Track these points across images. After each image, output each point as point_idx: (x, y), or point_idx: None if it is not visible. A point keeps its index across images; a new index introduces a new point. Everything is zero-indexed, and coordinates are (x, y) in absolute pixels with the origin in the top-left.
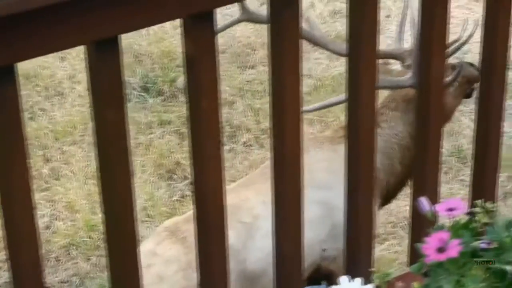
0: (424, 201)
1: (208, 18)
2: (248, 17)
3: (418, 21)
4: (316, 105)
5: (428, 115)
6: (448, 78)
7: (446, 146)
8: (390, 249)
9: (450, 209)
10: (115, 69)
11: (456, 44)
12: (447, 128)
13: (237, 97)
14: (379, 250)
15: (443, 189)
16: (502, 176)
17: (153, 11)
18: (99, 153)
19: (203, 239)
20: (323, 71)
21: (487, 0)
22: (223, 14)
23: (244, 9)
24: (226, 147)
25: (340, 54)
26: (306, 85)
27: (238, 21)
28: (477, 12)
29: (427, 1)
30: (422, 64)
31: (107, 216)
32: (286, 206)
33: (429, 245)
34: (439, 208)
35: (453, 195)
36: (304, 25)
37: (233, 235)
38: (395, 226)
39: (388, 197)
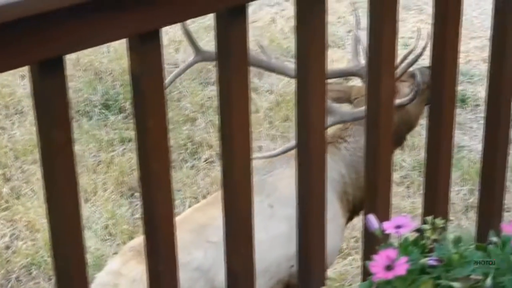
0: (372, 219)
1: (154, 36)
2: (203, 57)
3: (366, 41)
4: (273, 152)
5: (377, 137)
6: (408, 97)
7: (408, 160)
8: (353, 264)
9: (398, 227)
10: (59, 89)
11: (412, 57)
12: (408, 142)
13: (198, 114)
14: (343, 265)
15: (406, 203)
16: (464, 190)
17: (99, 31)
18: (44, 175)
19: (153, 260)
20: (284, 86)
21: (435, 10)
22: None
23: (198, 50)
24: (188, 164)
25: (289, 76)
26: (268, 101)
27: (194, 63)
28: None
29: (374, 20)
30: (371, 85)
31: (54, 243)
32: (237, 224)
33: (377, 263)
34: (387, 226)
35: (416, 209)
36: (251, 51)
37: (201, 255)
38: (358, 240)
39: (355, 211)
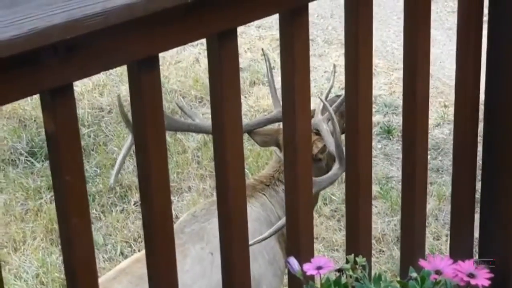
0: (293, 261)
1: (67, 91)
2: None
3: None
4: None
5: (296, 181)
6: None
7: (337, 193)
8: None
9: (319, 268)
10: None
11: (339, 100)
12: None
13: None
14: None
15: (337, 236)
16: (394, 220)
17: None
18: None
19: None
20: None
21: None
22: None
23: None
24: (118, 208)
25: (207, 132)
26: (195, 141)
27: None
28: None
29: (286, 68)
30: (286, 127)
31: None
32: (160, 271)
33: None
34: (307, 267)
35: None
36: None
37: None
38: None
39: None
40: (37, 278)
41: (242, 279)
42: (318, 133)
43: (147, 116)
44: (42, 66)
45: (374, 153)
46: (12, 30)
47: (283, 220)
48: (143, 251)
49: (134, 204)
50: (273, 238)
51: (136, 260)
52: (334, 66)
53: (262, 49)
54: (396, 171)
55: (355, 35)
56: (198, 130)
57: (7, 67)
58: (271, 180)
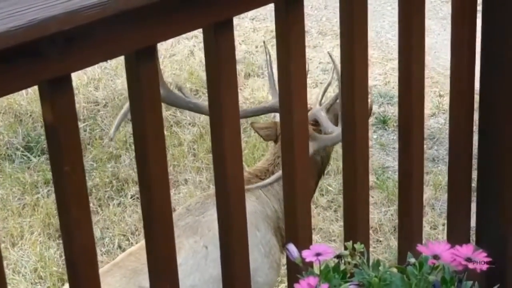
0: (292, 248)
1: (65, 82)
2: None
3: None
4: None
5: (293, 170)
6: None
7: (334, 184)
8: None
9: (318, 254)
10: None
11: (333, 97)
12: (333, 166)
13: (122, 150)
14: None
15: (334, 227)
16: (391, 210)
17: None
18: None
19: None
20: (206, 118)
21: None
22: None
23: None
24: (114, 201)
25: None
26: (191, 133)
27: None
28: None
29: (282, 57)
30: (284, 117)
31: None
32: (160, 264)
33: None
34: (306, 254)
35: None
36: (163, 92)
37: None
38: None
39: None
40: (35, 273)
41: (241, 269)
42: (315, 124)
43: (145, 106)
44: (41, 57)
45: (370, 143)
46: (11, 21)
47: (277, 174)
48: (137, 245)
49: (131, 198)
50: (269, 232)
51: (129, 254)
52: (330, 54)
53: (264, 42)
54: (392, 161)
55: (350, 26)
56: (197, 109)
57: (6, 58)
58: (265, 174)
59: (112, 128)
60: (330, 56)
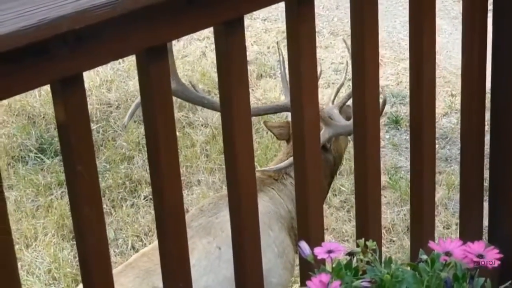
0: (304, 246)
1: (77, 81)
2: None
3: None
4: (273, 167)
5: (305, 169)
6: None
7: (346, 184)
8: None
9: (330, 251)
10: None
11: (346, 95)
12: (346, 166)
13: (135, 152)
14: None
15: (347, 227)
16: (404, 210)
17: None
18: None
19: None
20: (219, 119)
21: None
22: None
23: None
24: (128, 202)
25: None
26: (203, 134)
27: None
28: None
29: (293, 56)
30: (295, 116)
31: None
32: (173, 264)
33: None
34: (318, 251)
35: None
36: (177, 86)
37: None
38: None
39: None
40: (49, 274)
41: (254, 268)
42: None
43: (156, 105)
44: (52, 57)
45: (382, 143)
46: (21, 21)
47: (291, 159)
48: (150, 246)
49: (144, 199)
50: (283, 232)
51: (142, 255)
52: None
53: (277, 43)
54: (404, 161)
55: (361, 26)
56: (210, 106)
57: (17, 58)
58: (279, 174)
59: (126, 117)
60: (345, 42)
